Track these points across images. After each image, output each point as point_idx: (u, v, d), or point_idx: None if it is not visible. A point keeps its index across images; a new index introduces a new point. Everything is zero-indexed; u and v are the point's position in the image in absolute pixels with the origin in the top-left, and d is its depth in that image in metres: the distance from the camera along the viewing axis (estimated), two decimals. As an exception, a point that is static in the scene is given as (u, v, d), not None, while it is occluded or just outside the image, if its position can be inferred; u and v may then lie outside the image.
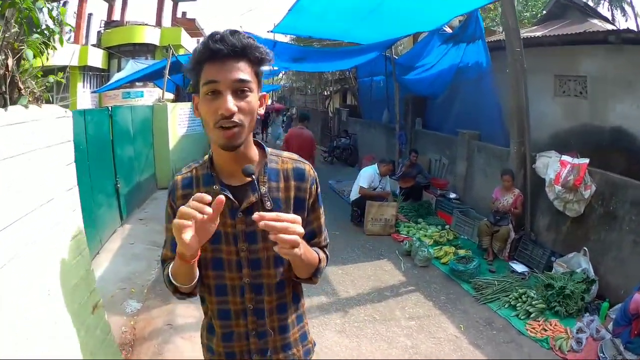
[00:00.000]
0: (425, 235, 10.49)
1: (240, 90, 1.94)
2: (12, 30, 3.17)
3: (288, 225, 1.75)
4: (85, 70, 28.26)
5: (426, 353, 6.29)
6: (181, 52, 27.25)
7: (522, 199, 9.48)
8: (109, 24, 32.40)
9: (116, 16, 33.41)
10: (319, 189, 2.35)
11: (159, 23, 34.43)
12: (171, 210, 2.23)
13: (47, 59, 3.51)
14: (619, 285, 7.67)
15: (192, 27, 38.79)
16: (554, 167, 8.95)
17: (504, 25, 10.07)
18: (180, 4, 39.30)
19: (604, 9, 41.38)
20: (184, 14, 40.67)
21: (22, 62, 3.28)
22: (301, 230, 1.79)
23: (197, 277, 2.10)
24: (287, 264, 2.22)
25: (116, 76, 21.66)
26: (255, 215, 1.73)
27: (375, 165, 11.72)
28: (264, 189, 2.13)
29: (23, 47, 3.21)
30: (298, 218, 1.81)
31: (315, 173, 2.34)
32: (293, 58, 15.91)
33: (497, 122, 11.43)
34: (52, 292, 3.27)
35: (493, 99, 11.57)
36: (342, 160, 20.94)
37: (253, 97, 2.00)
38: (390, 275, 8.63)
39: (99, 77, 29.21)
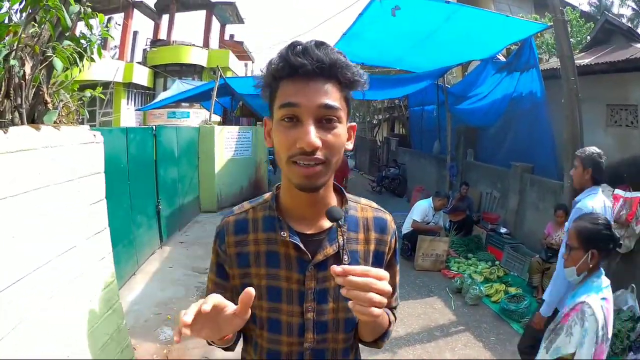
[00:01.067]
0: (476, 272, 10.32)
1: (326, 118, 1.60)
2: (31, 31, 2.93)
3: (375, 282, 1.41)
4: (130, 87, 28.73)
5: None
6: (229, 74, 27.45)
7: (575, 235, 9.15)
8: (155, 42, 32.79)
9: (162, 35, 33.82)
10: (397, 243, 2.07)
11: (206, 44, 34.79)
12: (216, 258, 1.97)
13: (81, 70, 3.27)
14: None
15: (239, 50, 39.15)
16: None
17: (558, 52, 9.88)
18: (228, 26, 39.73)
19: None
20: (231, 36, 41.10)
21: (53, 71, 3.06)
22: (389, 288, 1.44)
23: (235, 338, 1.93)
24: (356, 326, 1.96)
25: (162, 95, 21.72)
26: (338, 268, 1.41)
27: (430, 199, 11.59)
28: (342, 240, 1.82)
29: (49, 53, 2.94)
30: (386, 274, 1.46)
31: (394, 225, 2.05)
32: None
33: (550, 155, 11.25)
34: (75, 354, 3.02)
35: (547, 130, 11.36)
36: (390, 190, 20.49)
37: (341, 129, 1.65)
38: (440, 314, 8.47)
39: (144, 94, 29.56)
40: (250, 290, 1.46)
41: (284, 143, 1.60)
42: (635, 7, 42.28)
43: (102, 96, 3.69)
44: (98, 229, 3.47)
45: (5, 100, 2.72)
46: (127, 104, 27.69)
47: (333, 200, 1.88)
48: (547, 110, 11.24)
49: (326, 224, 1.83)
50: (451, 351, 7.13)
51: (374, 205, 2.03)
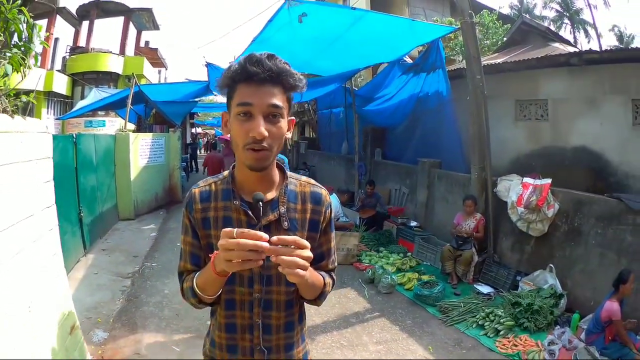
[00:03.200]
0: (388, 263, 10.62)
1: (272, 115, 2.01)
2: None
3: (298, 250, 1.80)
4: (50, 96, 27.97)
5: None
6: (143, 81, 27.26)
7: (484, 223, 9.67)
8: (75, 49, 32.12)
9: (82, 42, 33.02)
10: (332, 214, 2.45)
11: (122, 51, 34.17)
12: (189, 223, 2.29)
13: (25, 76, 3.48)
14: (587, 297, 7.95)
15: (154, 57, 38.70)
16: (516, 189, 9.19)
17: (465, 53, 10.24)
18: (144, 33, 39.23)
19: (565, 32, 42.24)
20: (147, 43, 40.61)
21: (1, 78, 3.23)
22: (310, 254, 1.84)
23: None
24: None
25: (80, 104, 21.31)
26: (274, 238, 1.77)
27: (335, 195, 12.01)
28: (282, 209, 2.23)
29: (3, 60, 3.15)
30: (308, 244, 1.84)
31: (330, 198, 2.44)
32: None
33: (457, 150, 11.72)
34: (32, 308, 3.20)
35: (453, 127, 11.87)
36: (300, 192, 20.68)
37: (283, 123, 2.09)
38: (354, 303, 8.67)
39: (63, 103, 28.98)
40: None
41: (240, 133, 2.01)
42: (559, 8, 43.35)
43: (35, 101, 3.82)
44: (49, 204, 3.85)
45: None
46: (47, 113, 27.20)
47: (277, 177, 2.31)
48: (453, 108, 11.78)
49: (269, 195, 2.24)
50: (368, 335, 7.33)
51: (312, 182, 2.43)
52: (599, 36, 41.13)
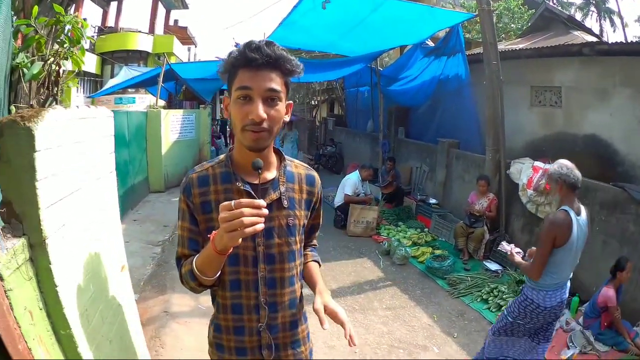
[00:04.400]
0: (405, 237, 10.90)
1: (270, 98, 2.11)
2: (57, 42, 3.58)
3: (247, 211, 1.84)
4: (80, 75, 27.83)
5: (400, 338, 6.70)
6: (173, 59, 27.19)
7: (496, 203, 9.94)
8: (103, 30, 31.98)
9: (110, 22, 32.98)
10: (321, 194, 2.65)
11: (152, 30, 34.06)
12: (187, 208, 2.36)
13: (80, 69, 3.94)
14: (590, 282, 8.10)
15: (184, 36, 38.40)
16: (527, 172, 9.39)
17: (482, 40, 10.36)
18: (172, 11, 39.10)
19: (592, 20, 41.92)
20: (175, 21, 40.16)
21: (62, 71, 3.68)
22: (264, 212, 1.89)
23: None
24: (297, 258, 2.49)
25: (110, 82, 21.51)
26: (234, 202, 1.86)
27: (357, 172, 12.20)
28: (283, 188, 2.38)
29: (64, 61, 3.61)
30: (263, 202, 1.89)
31: (319, 179, 2.64)
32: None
33: (474, 132, 11.92)
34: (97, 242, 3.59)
35: (471, 109, 12.08)
36: (327, 167, 21.21)
37: (281, 106, 2.18)
38: (369, 272, 9.05)
39: (93, 82, 29.08)
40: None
41: (239, 115, 2.12)
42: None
43: (77, 84, 4.28)
44: (112, 169, 4.28)
45: (46, 91, 3.49)
46: (77, 91, 27.32)
47: (274, 159, 2.44)
48: (471, 91, 11.99)
49: (269, 175, 2.37)
50: (379, 301, 7.75)
51: (304, 164, 2.61)
52: (624, 26, 40.96)
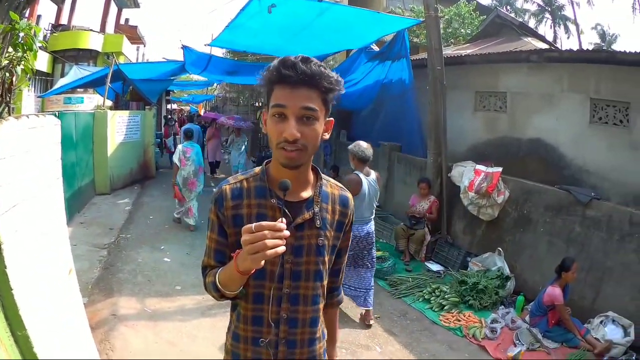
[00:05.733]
0: (345, 240, 10.92)
1: (306, 117, 2.07)
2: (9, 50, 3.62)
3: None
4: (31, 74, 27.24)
5: (343, 338, 6.78)
6: (122, 59, 26.86)
7: (437, 205, 10.13)
8: (56, 27, 31.46)
9: (64, 20, 32.45)
10: (354, 216, 2.57)
11: (103, 29, 33.61)
12: (216, 220, 2.33)
13: (29, 74, 3.96)
14: (536, 281, 8.37)
15: (133, 35, 37.79)
16: (468, 175, 9.61)
17: (427, 45, 10.54)
18: (124, 10, 38.56)
19: (545, 27, 42.42)
20: (126, 20, 39.70)
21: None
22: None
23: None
24: (324, 278, 2.44)
25: (60, 82, 21.14)
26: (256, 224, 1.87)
27: None
28: (317, 208, 2.32)
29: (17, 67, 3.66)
30: (282, 225, 1.89)
31: (353, 202, 2.56)
32: (227, 71, 16.57)
33: (417, 135, 12.17)
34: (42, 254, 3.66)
35: (414, 113, 12.28)
36: (269, 170, 20.81)
37: (318, 125, 2.13)
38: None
39: (44, 81, 28.59)
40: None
41: (275, 132, 2.09)
42: (540, 2, 43.31)
43: (28, 85, 4.33)
44: (58, 175, 4.38)
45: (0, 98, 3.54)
46: (27, 91, 26.88)
47: (310, 177, 2.38)
48: (414, 96, 12.21)
49: (304, 194, 2.33)
50: (321, 305, 7.84)
51: (339, 185, 2.55)
52: (579, 33, 41.62)
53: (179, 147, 12.09)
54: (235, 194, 2.31)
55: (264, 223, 1.85)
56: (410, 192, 11.15)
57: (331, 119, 2.30)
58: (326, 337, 2.63)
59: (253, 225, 1.85)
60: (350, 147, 7.24)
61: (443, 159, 10.35)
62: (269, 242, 1.81)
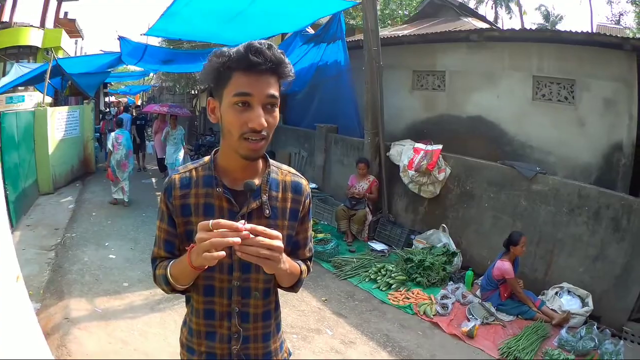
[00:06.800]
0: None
1: (270, 104, 2.02)
2: None
3: (267, 240, 1.80)
4: None
5: (292, 324, 6.78)
6: (60, 54, 26.59)
7: (377, 184, 10.16)
8: None
9: (6, 17, 31.95)
10: (311, 204, 2.46)
11: (43, 24, 32.76)
12: (166, 209, 2.26)
13: None
14: (483, 256, 8.54)
15: (72, 29, 37.37)
16: (407, 154, 9.63)
17: (364, 26, 10.58)
18: (63, 3, 37.89)
19: (487, 7, 42.71)
20: (65, 14, 39.11)
21: None
22: (280, 245, 1.84)
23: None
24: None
25: (2, 81, 21.00)
26: (247, 225, 1.80)
27: None
28: (265, 197, 2.22)
29: None
30: (278, 234, 1.86)
31: (309, 188, 2.46)
32: (162, 60, 16.33)
33: (353, 116, 12.26)
34: None
35: (350, 94, 12.37)
36: (207, 157, 20.52)
37: (277, 112, 2.09)
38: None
39: None
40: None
41: (237, 123, 1.98)
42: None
43: None
44: None
45: None
46: None
47: (259, 165, 2.30)
48: (350, 77, 12.26)
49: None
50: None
51: (293, 171, 2.43)
52: (521, 14, 42.01)
53: (112, 134, 13.42)
54: (184, 182, 2.25)
55: (221, 221, 1.79)
56: (349, 173, 11.22)
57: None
58: (281, 330, 2.58)
59: (210, 222, 1.79)
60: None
61: (381, 139, 10.42)
62: (223, 241, 1.75)
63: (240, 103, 1.97)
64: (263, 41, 2.01)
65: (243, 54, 1.95)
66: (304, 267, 2.46)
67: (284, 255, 1.97)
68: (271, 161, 2.36)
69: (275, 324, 2.48)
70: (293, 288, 2.44)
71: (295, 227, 2.36)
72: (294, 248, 2.43)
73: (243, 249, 1.78)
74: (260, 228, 1.82)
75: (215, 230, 1.78)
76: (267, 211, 2.22)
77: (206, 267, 1.99)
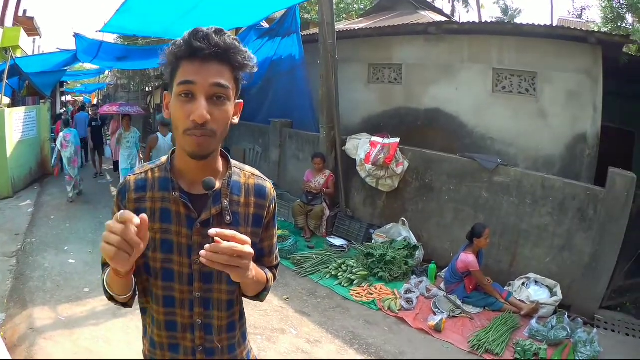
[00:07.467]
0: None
1: (216, 96, 1.83)
2: None
3: (238, 246, 1.66)
4: None
5: (255, 324, 6.66)
6: (19, 53, 26.25)
7: (333, 179, 10.13)
8: None
9: None
10: (276, 209, 2.31)
11: (2, 22, 32.36)
12: (118, 212, 1.79)
13: None
14: (445, 249, 8.55)
15: (30, 27, 37.10)
16: (364, 147, 9.58)
17: (319, 19, 10.47)
18: (23, 1, 37.53)
19: (444, 1, 42.94)
20: (24, 12, 38.77)
21: None
22: (250, 251, 1.70)
23: (133, 288, 2.02)
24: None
25: None
26: (212, 231, 1.64)
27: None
28: (225, 202, 2.05)
29: None
30: (248, 239, 1.71)
31: (274, 192, 2.29)
32: (117, 57, 16.39)
33: (308, 111, 12.22)
34: None
35: (305, 88, 12.31)
36: (160, 154, 20.10)
37: (229, 106, 1.91)
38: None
39: None
40: (145, 217, 1.63)
41: (180, 116, 1.82)
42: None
43: None
44: None
45: None
46: None
47: (219, 166, 2.12)
48: (305, 71, 12.19)
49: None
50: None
51: (257, 173, 2.24)
52: (479, 7, 42.27)
53: (61, 134, 13.79)
54: (139, 185, 2.06)
55: (126, 213, 1.59)
56: (305, 168, 11.08)
57: (240, 101, 2.09)
58: (247, 339, 2.41)
59: (118, 213, 1.59)
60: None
61: (337, 133, 10.36)
62: (113, 238, 1.57)
63: (184, 94, 1.82)
64: (214, 27, 1.86)
65: (187, 39, 1.81)
66: (270, 275, 2.30)
67: (251, 262, 1.81)
68: (233, 162, 2.19)
69: (241, 334, 2.33)
70: (258, 297, 2.27)
71: (259, 234, 2.20)
72: (258, 256, 2.21)
73: (210, 257, 1.62)
74: (230, 233, 1.66)
75: (118, 224, 1.58)
76: (228, 217, 2.05)
77: (129, 275, 1.84)
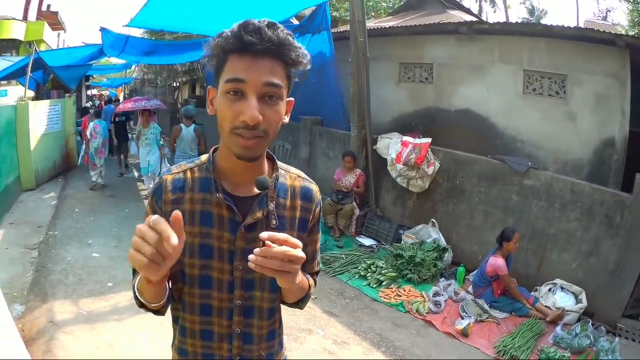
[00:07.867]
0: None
1: (269, 95, 1.71)
2: None
3: (290, 249, 1.53)
4: None
5: (286, 323, 6.66)
6: (43, 47, 26.39)
7: (364, 178, 10.03)
8: None
9: None
10: (320, 213, 2.19)
11: (25, 16, 32.30)
12: (152, 213, 1.78)
13: None
14: (474, 252, 8.48)
15: (54, 21, 37.07)
16: (395, 147, 9.52)
17: (350, 17, 10.43)
18: None
19: (471, 1, 42.76)
20: (48, 6, 38.59)
21: None
22: (302, 255, 1.57)
23: (167, 296, 1.88)
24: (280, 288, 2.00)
25: None
26: (264, 234, 1.51)
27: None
28: (272, 206, 1.94)
29: None
30: (300, 243, 1.58)
31: (320, 195, 2.18)
32: (144, 52, 16.33)
33: (339, 108, 12.12)
34: None
35: (335, 86, 12.20)
36: (190, 150, 20.01)
37: (281, 105, 1.79)
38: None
39: None
40: (179, 214, 1.46)
41: (228, 115, 1.70)
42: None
43: None
44: None
45: None
46: None
47: (265, 167, 2.00)
48: (336, 69, 12.04)
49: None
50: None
51: (303, 175, 2.14)
52: (506, 7, 42.12)
53: (91, 124, 14.61)
54: (177, 185, 1.94)
55: (159, 221, 1.40)
56: (335, 167, 10.97)
57: (292, 99, 1.96)
58: (284, 347, 2.35)
59: (151, 218, 1.41)
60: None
61: (367, 131, 10.29)
62: (146, 248, 1.40)
63: (232, 91, 1.69)
64: (267, 19, 1.71)
65: (236, 32, 1.68)
66: (311, 281, 2.25)
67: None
68: (279, 163, 2.08)
69: (279, 342, 2.25)
70: (298, 304, 2.20)
71: (304, 238, 2.04)
72: (304, 262, 1.97)
73: (261, 262, 1.50)
74: (282, 236, 1.53)
75: (152, 232, 1.41)
76: (274, 221, 1.93)
77: (162, 284, 1.73)
